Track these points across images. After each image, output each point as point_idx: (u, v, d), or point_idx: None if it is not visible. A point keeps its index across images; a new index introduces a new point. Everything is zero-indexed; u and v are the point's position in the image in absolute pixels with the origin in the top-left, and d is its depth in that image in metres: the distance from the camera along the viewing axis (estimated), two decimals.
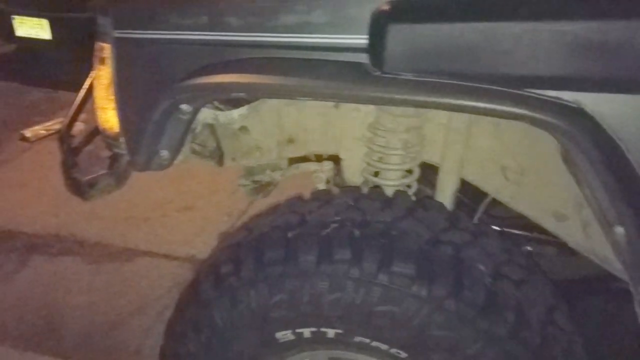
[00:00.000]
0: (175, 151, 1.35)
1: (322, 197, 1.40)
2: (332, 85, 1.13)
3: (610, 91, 0.99)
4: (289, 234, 1.27)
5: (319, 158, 1.83)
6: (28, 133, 4.23)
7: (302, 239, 1.25)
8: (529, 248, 1.91)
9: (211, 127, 1.61)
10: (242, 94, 1.23)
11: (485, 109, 1.01)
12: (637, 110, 0.99)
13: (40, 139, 4.18)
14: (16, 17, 4.80)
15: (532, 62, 0.99)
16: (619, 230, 1.03)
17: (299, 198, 1.45)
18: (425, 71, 1.05)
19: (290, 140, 1.68)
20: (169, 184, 3.54)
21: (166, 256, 3.01)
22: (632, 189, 1.00)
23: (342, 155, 1.66)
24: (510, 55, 1.00)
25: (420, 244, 1.21)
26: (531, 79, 1.01)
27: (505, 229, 1.88)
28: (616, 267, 1.18)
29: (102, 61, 1.34)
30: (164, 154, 1.34)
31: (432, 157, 1.60)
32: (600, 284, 1.74)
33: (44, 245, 3.07)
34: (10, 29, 4.87)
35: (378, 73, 1.08)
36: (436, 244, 1.22)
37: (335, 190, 1.63)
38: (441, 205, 1.41)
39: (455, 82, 1.03)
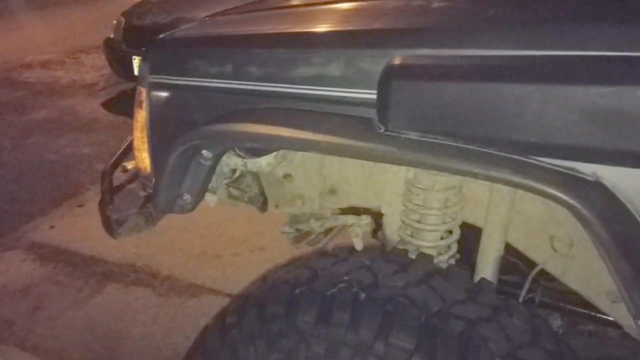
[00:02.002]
0: (198, 196, 1.37)
1: (341, 254, 1.34)
2: (339, 141, 1.09)
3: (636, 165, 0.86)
4: (296, 291, 1.22)
5: (368, 212, 1.78)
6: (129, 165, 4.53)
7: (306, 296, 1.19)
8: (589, 327, 1.70)
9: (254, 174, 1.62)
10: (256, 145, 1.23)
11: (483, 175, 0.92)
12: None
13: (127, 170, 4.46)
14: (136, 57, 5.21)
15: (543, 127, 0.89)
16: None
17: (321, 252, 1.40)
18: (429, 131, 0.99)
19: (332, 191, 1.65)
20: (245, 223, 3.61)
21: (230, 295, 3.04)
22: None
23: (383, 210, 1.60)
24: (520, 120, 0.91)
25: (427, 316, 1.10)
26: (544, 147, 0.91)
27: (563, 305, 1.70)
28: None
29: (139, 104, 1.40)
30: (187, 197, 1.36)
31: (476, 219, 1.49)
32: None
33: (120, 274, 3.22)
34: (131, 69, 5.30)
35: (383, 130, 1.03)
36: (446, 316, 1.11)
37: (369, 246, 1.56)
38: (465, 274, 1.30)
39: (457, 144, 0.95)
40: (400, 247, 1.50)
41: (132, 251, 3.42)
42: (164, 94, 1.34)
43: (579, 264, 1.32)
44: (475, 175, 0.96)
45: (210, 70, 1.23)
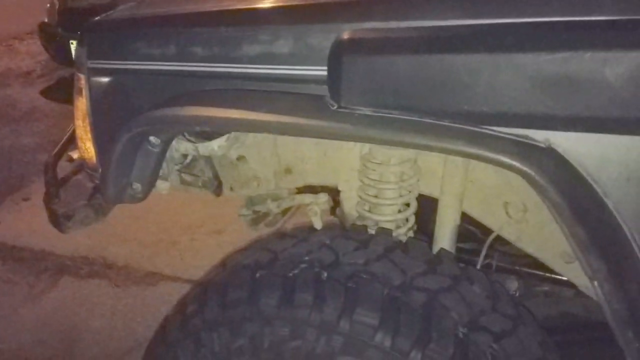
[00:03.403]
0: (149, 184, 1.32)
1: (300, 234, 1.33)
2: (291, 120, 1.06)
3: (585, 130, 0.87)
4: (257, 274, 1.20)
5: (326, 190, 1.76)
6: (75, 154, 4.37)
7: (267, 279, 1.17)
8: (545, 288, 1.75)
9: (207, 158, 1.58)
10: (206, 128, 1.19)
11: (437, 147, 0.92)
12: (617, 149, 0.86)
13: (72, 160, 4.31)
14: (74, 41, 4.99)
15: (494, 97, 0.89)
16: (596, 285, 0.90)
17: (279, 234, 1.38)
18: (382, 106, 0.97)
19: (288, 171, 1.62)
20: (201, 207, 3.55)
21: (189, 281, 2.99)
22: (608, 240, 0.87)
23: (340, 187, 1.59)
24: (471, 90, 0.90)
25: (390, 290, 1.11)
26: (496, 116, 0.91)
27: (519, 268, 1.74)
28: None
29: (79, 91, 1.33)
30: (137, 186, 1.31)
31: (432, 190, 1.50)
32: None
33: (73, 267, 3.13)
34: (69, 54, 5.06)
35: (335, 107, 1.01)
36: (407, 289, 1.11)
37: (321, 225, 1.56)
38: (424, 246, 1.30)
39: (411, 118, 0.93)
40: (358, 222, 1.49)
41: (84, 243, 3.31)
42: (104, 80, 1.28)
43: (533, 228, 1.34)
44: (430, 148, 0.96)
45: (152, 52, 1.18)
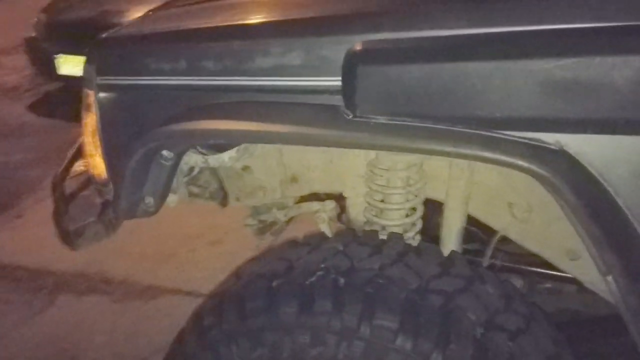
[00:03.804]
0: (161, 197, 1.33)
1: (313, 242, 1.35)
2: (307, 131, 1.08)
3: (595, 131, 0.90)
4: (274, 283, 1.22)
5: (329, 197, 1.78)
6: (78, 168, 4.35)
7: (285, 288, 1.19)
8: (547, 285, 1.79)
9: (212, 169, 1.59)
10: (219, 141, 1.20)
11: (455, 153, 0.95)
12: (625, 149, 0.89)
13: (77, 175, 4.28)
14: (59, 56, 4.96)
15: (507, 102, 0.92)
16: (610, 280, 0.93)
17: (292, 242, 1.40)
18: (397, 114, 0.99)
19: (294, 179, 1.64)
20: (199, 218, 3.54)
21: (190, 293, 2.99)
22: (620, 237, 0.90)
23: (346, 194, 1.61)
24: (484, 96, 0.93)
25: (407, 294, 1.13)
26: (509, 121, 0.94)
27: (522, 266, 1.78)
28: None
29: (87, 107, 1.34)
30: (149, 200, 1.32)
31: (438, 194, 1.52)
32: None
33: (71, 284, 3.11)
34: (54, 68, 5.04)
35: (351, 116, 1.03)
36: (424, 292, 1.14)
37: (336, 231, 1.57)
38: (436, 249, 1.33)
39: (426, 125, 0.96)
40: (366, 228, 1.51)
41: (81, 258, 3.28)
42: (115, 96, 1.29)
43: (538, 227, 1.37)
44: (446, 154, 0.99)
45: (164, 67, 1.19)
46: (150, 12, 1.44)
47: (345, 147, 1.28)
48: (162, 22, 1.33)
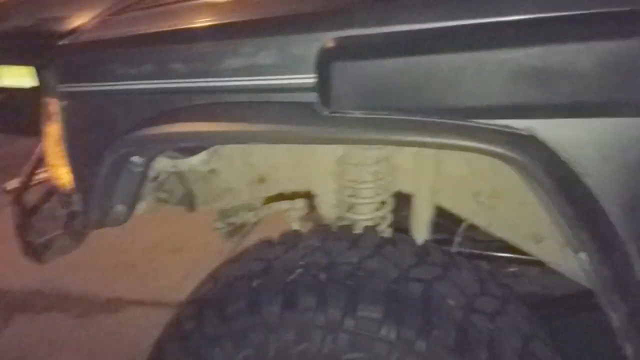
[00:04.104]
0: (132, 205, 1.31)
1: (289, 240, 1.35)
2: (282, 128, 1.09)
3: (562, 116, 0.95)
4: (254, 283, 1.22)
5: (296, 196, 1.79)
6: (10, 185, 4.17)
7: (266, 287, 1.19)
8: (512, 269, 1.85)
9: (179, 173, 1.57)
10: (192, 143, 1.19)
11: (432, 143, 0.98)
12: (591, 132, 0.95)
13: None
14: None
15: (478, 92, 0.96)
16: (583, 256, 0.98)
17: (267, 242, 1.40)
18: (372, 108, 1.02)
19: (262, 180, 1.64)
20: (157, 227, 3.47)
21: (154, 303, 2.93)
22: (590, 214, 0.95)
23: (315, 192, 1.62)
24: (457, 87, 0.96)
25: (388, 284, 1.15)
26: (481, 110, 0.97)
27: (488, 252, 1.83)
28: None
29: (49, 117, 1.30)
30: (120, 208, 1.29)
31: (406, 187, 1.56)
32: (585, 300, 1.68)
33: (26, 303, 2.99)
34: None
35: (327, 112, 1.05)
36: (404, 282, 1.17)
37: (308, 229, 1.58)
38: (410, 239, 1.36)
39: (402, 117, 0.99)
40: (337, 224, 1.53)
41: (36, 275, 3.15)
42: (80, 103, 1.25)
43: (503, 213, 1.42)
44: (424, 145, 1.01)
45: (132, 72, 1.17)
46: (109, 17, 1.41)
47: (322, 143, 1.29)
48: (125, 26, 1.31)
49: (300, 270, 1.20)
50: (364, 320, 1.10)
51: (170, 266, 3.21)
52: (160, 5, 1.40)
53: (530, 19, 0.95)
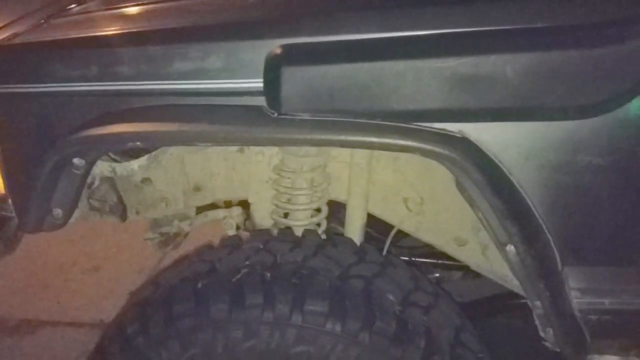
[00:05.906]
0: (70, 209, 1.29)
1: (231, 244, 1.38)
2: (231, 129, 1.13)
3: (489, 120, 1.06)
4: (199, 284, 1.23)
5: (229, 204, 1.81)
6: None
7: (213, 287, 1.21)
8: (436, 274, 1.97)
9: (110, 181, 1.55)
10: (138, 144, 1.20)
11: (377, 143, 1.06)
12: (514, 135, 1.06)
13: None
14: None
15: (416, 97, 1.05)
16: (510, 248, 1.08)
17: (209, 247, 1.41)
18: (320, 111, 1.08)
19: (197, 189, 1.65)
20: (71, 246, 3.34)
21: (71, 324, 2.81)
22: (516, 209, 1.07)
23: (250, 200, 1.65)
24: (397, 92, 1.05)
25: (331, 281, 1.21)
26: (419, 113, 1.06)
27: (414, 258, 1.94)
28: (515, 284, 1.24)
29: None
30: (57, 212, 1.27)
31: (339, 195, 1.62)
32: (503, 301, 1.82)
33: None
34: None
35: (275, 115, 1.10)
36: (346, 278, 1.23)
37: (245, 235, 1.60)
38: (349, 240, 1.43)
39: (349, 119, 1.06)
40: (274, 230, 1.57)
41: None
42: (14, 105, 1.23)
43: (430, 218, 1.52)
44: (369, 145, 1.09)
45: (75, 73, 1.16)
46: (44, 21, 1.38)
47: (271, 145, 1.33)
48: (65, 30, 1.30)
49: (245, 270, 1.23)
50: (310, 315, 1.15)
51: (87, 286, 3.09)
52: (106, 9, 1.40)
53: (464, 32, 1.05)
